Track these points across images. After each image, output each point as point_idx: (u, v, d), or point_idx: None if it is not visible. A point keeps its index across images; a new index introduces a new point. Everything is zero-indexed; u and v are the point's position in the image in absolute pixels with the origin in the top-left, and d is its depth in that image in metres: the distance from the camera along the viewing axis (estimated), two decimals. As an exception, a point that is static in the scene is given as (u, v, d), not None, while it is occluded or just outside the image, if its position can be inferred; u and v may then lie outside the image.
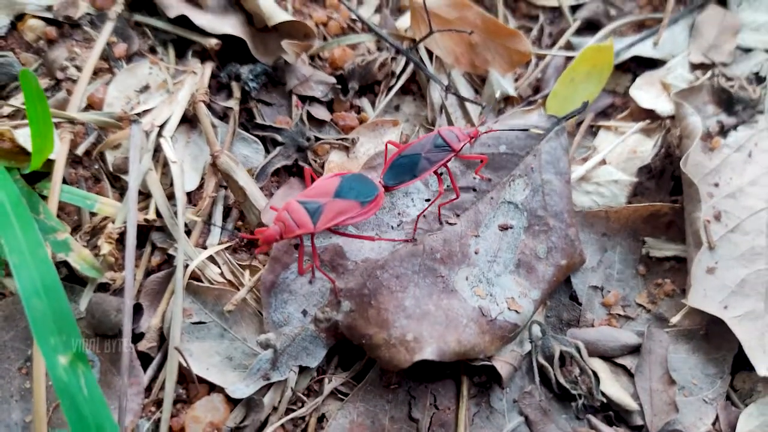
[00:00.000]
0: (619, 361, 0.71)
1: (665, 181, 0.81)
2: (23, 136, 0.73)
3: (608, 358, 0.72)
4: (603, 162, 0.82)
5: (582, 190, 0.81)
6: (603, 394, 0.68)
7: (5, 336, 0.70)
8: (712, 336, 0.71)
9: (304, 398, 0.69)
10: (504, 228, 0.74)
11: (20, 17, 0.90)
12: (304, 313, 0.70)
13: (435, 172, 0.73)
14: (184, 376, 0.70)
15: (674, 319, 0.72)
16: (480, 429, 0.67)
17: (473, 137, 0.73)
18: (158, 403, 0.68)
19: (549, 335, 0.71)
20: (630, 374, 0.71)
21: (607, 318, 0.74)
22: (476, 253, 0.72)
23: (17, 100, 0.81)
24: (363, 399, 0.68)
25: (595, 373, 0.69)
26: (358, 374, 0.70)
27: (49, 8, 0.91)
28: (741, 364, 0.71)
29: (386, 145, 0.75)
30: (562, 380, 0.68)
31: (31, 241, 0.55)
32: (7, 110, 0.81)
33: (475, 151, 0.77)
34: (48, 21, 0.90)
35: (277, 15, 0.84)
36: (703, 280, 0.73)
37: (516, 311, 0.69)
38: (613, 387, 0.69)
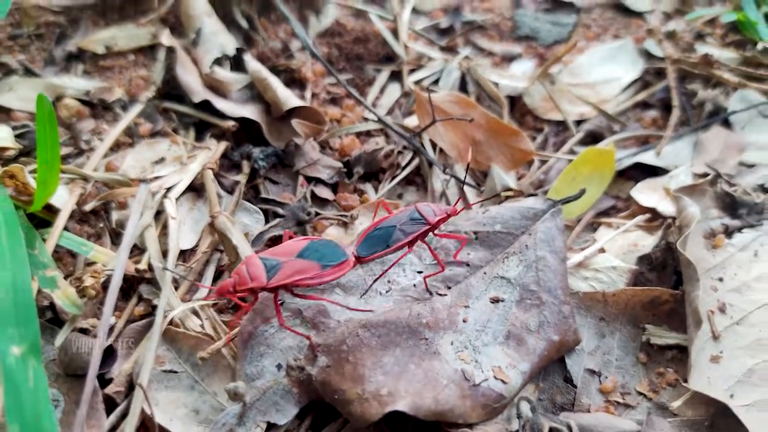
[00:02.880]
0: (617, 450, 0.65)
1: (667, 274, 0.79)
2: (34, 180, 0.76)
3: (604, 446, 0.65)
4: (602, 250, 0.80)
5: (579, 276, 0.79)
6: (597, 481, 0.62)
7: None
8: (717, 428, 0.65)
9: (269, 458, 0.64)
10: (495, 301, 0.72)
11: (59, 98, 0.98)
12: (279, 367, 0.67)
13: (409, 245, 0.72)
14: (147, 428, 0.66)
15: (675, 404, 0.66)
16: None
17: (450, 215, 0.72)
18: (117, 453, 0.64)
19: (539, 413, 0.66)
20: (628, 465, 0.64)
21: (604, 405, 0.69)
22: (464, 321, 0.70)
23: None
24: (330, 464, 0.63)
25: (587, 456, 0.63)
26: (329, 439, 0.65)
27: (87, 93, 0.99)
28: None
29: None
30: (550, 460, 0.62)
31: (13, 243, 0.56)
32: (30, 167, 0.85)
33: (471, 230, 0.77)
34: (83, 102, 0.98)
35: (292, 101, 0.90)
36: (707, 368, 0.68)
37: (502, 381, 0.65)
38: (608, 474, 0.62)
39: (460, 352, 0.66)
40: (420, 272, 0.75)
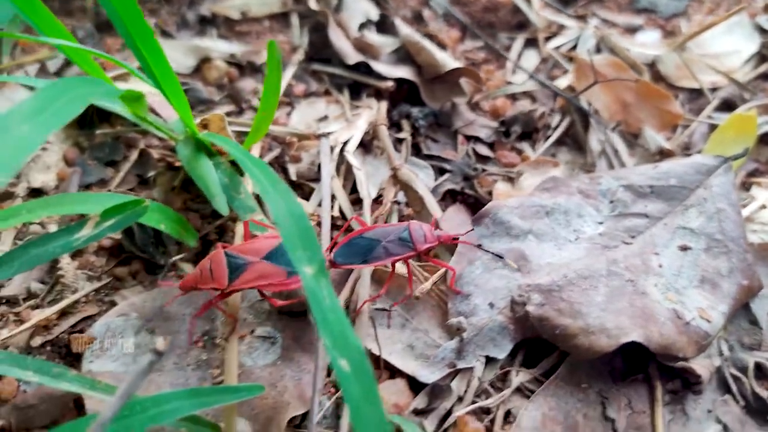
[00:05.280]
0: (811, 386, 0.69)
1: (829, 230, 0.82)
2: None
3: (799, 383, 0.69)
4: (763, 206, 0.84)
5: (748, 229, 0.82)
6: (804, 412, 0.65)
7: (185, 310, 0.71)
8: None
9: (491, 390, 0.66)
10: (684, 248, 0.75)
11: (204, 60, 1.01)
12: (491, 305, 0.70)
13: (392, 264, 0.69)
14: (364, 363, 0.68)
15: None
16: (677, 437, 0.64)
17: (443, 242, 0.69)
18: (337, 384, 0.67)
19: (738, 350, 0.69)
20: (825, 399, 0.67)
21: (791, 347, 0.72)
22: (660, 266, 0.73)
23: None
24: (554, 394, 0.66)
25: (794, 389, 0.66)
26: (545, 372, 0.68)
27: (231, 55, 1.01)
28: None
29: (351, 219, 0.75)
30: (759, 390, 0.66)
31: (269, 176, 0.59)
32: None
33: (645, 184, 0.80)
34: (230, 64, 1.00)
35: (450, 63, 0.93)
36: None
37: (707, 320, 0.68)
38: (813, 406, 0.66)
39: (665, 293, 0.70)
40: (600, 223, 0.78)
